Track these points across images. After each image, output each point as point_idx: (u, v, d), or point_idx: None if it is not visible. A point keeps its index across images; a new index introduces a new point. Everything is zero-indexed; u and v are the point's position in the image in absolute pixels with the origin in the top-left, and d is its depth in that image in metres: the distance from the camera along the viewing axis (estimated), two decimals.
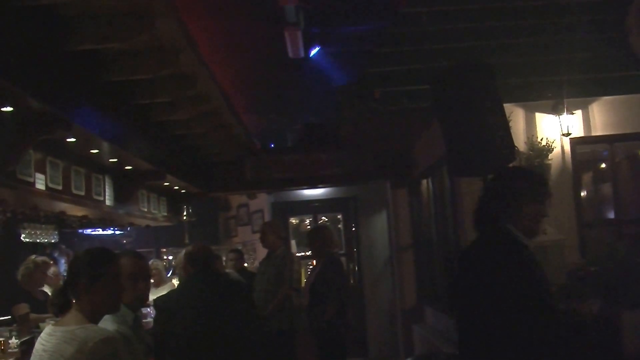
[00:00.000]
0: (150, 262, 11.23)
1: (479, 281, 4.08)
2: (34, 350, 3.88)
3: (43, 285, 9.63)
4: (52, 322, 4.01)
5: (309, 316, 9.50)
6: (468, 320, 4.19)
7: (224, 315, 6.34)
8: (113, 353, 3.73)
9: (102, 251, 4.13)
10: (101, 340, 3.70)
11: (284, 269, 10.03)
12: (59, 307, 3.97)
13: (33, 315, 8.21)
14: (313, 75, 11.10)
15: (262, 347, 6.90)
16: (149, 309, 9.67)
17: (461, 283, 4.32)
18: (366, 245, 15.32)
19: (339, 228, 16.14)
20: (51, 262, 10.30)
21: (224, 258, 12.02)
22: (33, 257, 9.62)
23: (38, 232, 10.55)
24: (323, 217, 16.44)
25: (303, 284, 10.68)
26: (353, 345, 10.25)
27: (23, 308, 8.36)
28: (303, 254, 15.21)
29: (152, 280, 10.90)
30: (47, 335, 3.84)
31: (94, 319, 3.94)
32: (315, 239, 9.92)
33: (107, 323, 4.34)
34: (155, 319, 6.55)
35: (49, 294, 9.21)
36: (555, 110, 9.16)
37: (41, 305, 8.73)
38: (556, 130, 9.18)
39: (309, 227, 16.16)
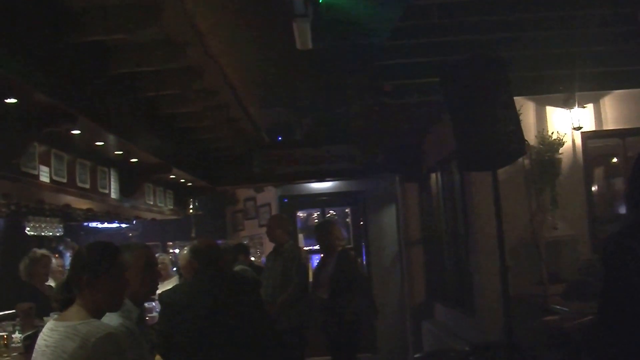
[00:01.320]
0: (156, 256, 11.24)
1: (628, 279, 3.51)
2: (36, 345, 3.81)
3: (47, 280, 9.54)
4: (55, 316, 3.91)
5: (331, 310, 9.46)
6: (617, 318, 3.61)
7: (231, 311, 6.26)
8: (116, 349, 3.67)
9: (106, 246, 4.07)
10: (104, 336, 3.63)
11: (291, 264, 9.93)
12: (62, 303, 3.90)
13: (37, 321, 8.14)
14: (322, 68, 10.98)
15: (271, 344, 6.83)
16: (153, 304, 9.59)
17: (610, 277, 3.75)
18: (375, 239, 15.22)
19: (347, 222, 16.04)
20: (55, 256, 10.23)
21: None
22: (34, 250, 9.53)
23: (43, 226, 10.45)
24: (331, 211, 16.37)
25: (311, 279, 10.57)
26: (362, 341, 10.12)
27: (26, 304, 8.29)
28: (310, 247, 15.13)
29: None
30: (50, 331, 3.77)
31: (97, 314, 3.87)
32: (323, 233, 9.86)
33: (113, 317, 4.28)
34: (161, 314, 6.48)
35: None
36: (567, 103, 9.07)
37: (48, 301, 8.66)
38: (567, 124, 9.10)
39: (316, 220, 16.08)
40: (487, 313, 8.99)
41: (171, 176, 11.00)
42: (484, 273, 8.99)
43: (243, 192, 17.09)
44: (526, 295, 8.70)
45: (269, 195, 16.16)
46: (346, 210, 16.18)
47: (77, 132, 7.15)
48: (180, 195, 13.21)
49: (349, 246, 14.59)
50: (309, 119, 13.34)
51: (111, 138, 7.75)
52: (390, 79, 9.24)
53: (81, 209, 9.71)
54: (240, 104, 9.73)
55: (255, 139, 12.31)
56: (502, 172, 7.05)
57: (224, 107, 9.45)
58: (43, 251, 9.55)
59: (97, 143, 7.98)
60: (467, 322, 9.91)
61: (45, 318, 7.29)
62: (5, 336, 6.85)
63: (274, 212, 15.54)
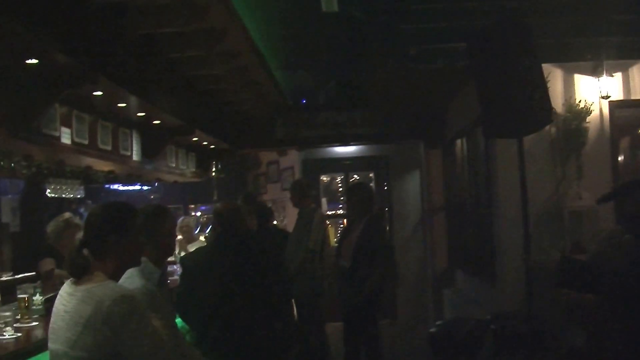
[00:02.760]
0: (180, 220, 11.24)
1: None
2: (54, 309, 3.79)
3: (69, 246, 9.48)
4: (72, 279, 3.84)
5: (350, 280, 8.87)
6: None
7: (249, 275, 6.23)
8: (131, 310, 3.60)
9: (124, 205, 4.08)
10: (118, 298, 3.58)
11: (304, 229, 9.72)
12: (81, 268, 3.79)
13: (57, 271, 8.08)
14: (348, 31, 10.86)
15: (288, 309, 6.79)
16: (175, 267, 9.55)
17: None
18: (398, 205, 15.05)
19: (371, 187, 15.87)
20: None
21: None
22: (67, 215, 9.44)
23: (64, 187, 10.37)
24: (355, 176, 16.13)
25: (334, 245, 10.31)
26: (380, 313, 9.85)
27: (49, 263, 8.24)
28: (334, 212, 15.22)
29: (181, 237, 11.00)
30: (68, 295, 3.72)
31: (117, 275, 3.87)
32: (355, 196, 9.38)
33: (135, 279, 4.36)
34: (182, 277, 6.47)
35: None
36: (595, 72, 8.93)
37: None
38: (595, 92, 8.95)
39: (340, 185, 16.08)
40: (508, 282, 8.89)
41: (194, 139, 10.93)
42: (506, 241, 8.89)
43: (266, 155, 16.87)
44: (546, 262, 8.50)
45: (292, 158, 15.94)
46: (370, 174, 15.99)
47: (98, 93, 7.10)
48: (203, 158, 13.16)
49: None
50: (332, 83, 13.22)
51: (133, 99, 7.69)
52: (416, 43, 9.09)
53: (102, 171, 9.68)
54: (263, 66, 9.60)
55: (277, 102, 12.20)
56: (527, 140, 6.94)
57: (246, 70, 9.33)
58: (77, 220, 9.46)
59: (119, 105, 7.94)
60: (489, 290, 9.83)
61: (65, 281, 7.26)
62: (26, 298, 6.80)
63: (297, 175, 15.37)
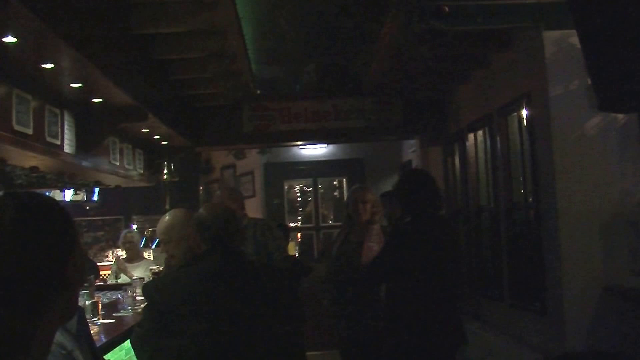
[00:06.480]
0: (123, 234, 10.22)
1: None
2: None
3: None
4: None
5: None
6: None
7: (251, 319, 4.27)
8: None
9: None
10: None
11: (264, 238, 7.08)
12: None
13: None
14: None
15: None
16: (119, 295, 7.59)
17: None
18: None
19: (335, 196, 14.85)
20: None
21: None
22: None
23: None
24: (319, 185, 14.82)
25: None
26: None
27: None
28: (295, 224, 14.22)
29: (124, 255, 10.14)
30: None
31: None
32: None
33: None
34: (146, 312, 4.43)
35: None
36: None
37: None
38: None
39: (298, 194, 14.96)
40: (567, 311, 6.81)
41: (143, 129, 8.54)
42: (563, 257, 6.84)
43: (220, 159, 15.16)
44: (623, 288, 6.62)
45: (252, 162, 14.43)
46: (334, 182, 14.83)
47: (11, 40, 4.58)
48: (152, 158, 10.73)
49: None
50: (312, 66, 11.04)
51: (65, 53, 5.12)
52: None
53: (22, 168, 6.93)
54: (240, 34, 7.64)
55: (247, 87, 10.08)
56: (591, 127, 6.55)
57: (230, 57, 7.98)
58: None
59: (44, 65, 5.37)
60: (533, 322, 7.67)
61: None
62: None
63: (258, 181, 14.17)
